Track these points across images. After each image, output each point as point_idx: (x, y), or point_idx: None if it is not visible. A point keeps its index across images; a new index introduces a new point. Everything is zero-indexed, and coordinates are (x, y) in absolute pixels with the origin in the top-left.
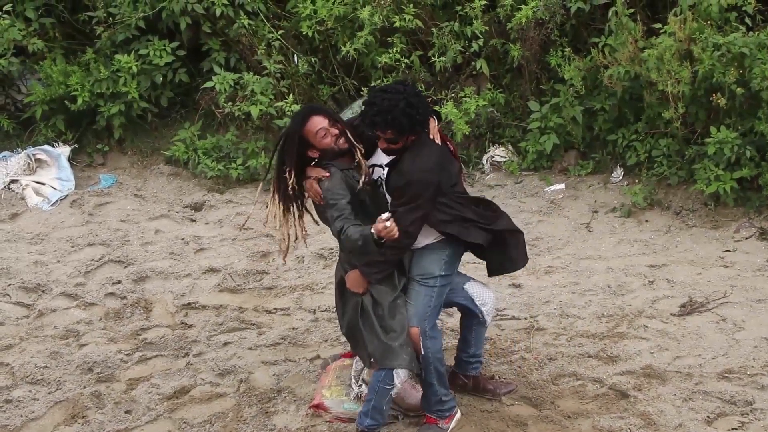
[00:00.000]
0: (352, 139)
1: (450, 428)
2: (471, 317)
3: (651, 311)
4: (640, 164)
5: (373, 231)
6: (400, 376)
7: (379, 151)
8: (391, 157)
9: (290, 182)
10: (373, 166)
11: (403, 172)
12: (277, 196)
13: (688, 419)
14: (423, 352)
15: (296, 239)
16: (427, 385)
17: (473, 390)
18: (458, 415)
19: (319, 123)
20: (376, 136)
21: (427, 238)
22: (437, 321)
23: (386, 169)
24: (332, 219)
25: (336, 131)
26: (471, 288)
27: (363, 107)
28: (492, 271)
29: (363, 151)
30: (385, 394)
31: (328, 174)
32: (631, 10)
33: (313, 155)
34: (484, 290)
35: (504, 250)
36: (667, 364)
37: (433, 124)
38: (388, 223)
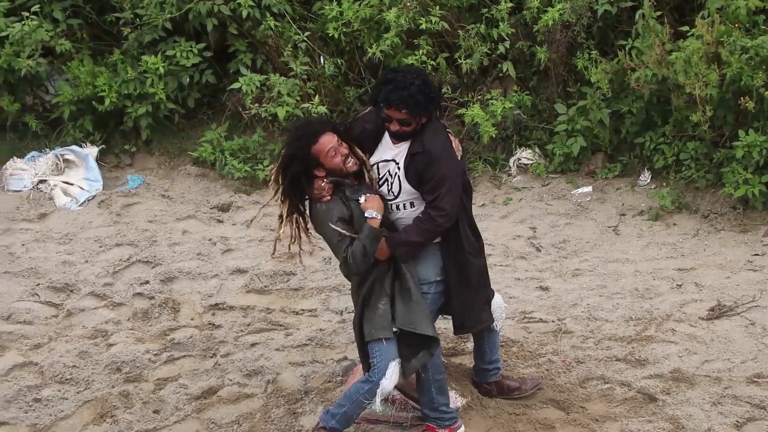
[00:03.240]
0: (360, 156)
1: None
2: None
3: (679, 315)
4: (667, 167)
5: (371, 210)
6: (382, 393)
7: (381, 147)
8: (397, 150)
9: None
10: (376, 164)
11: (427, 150)
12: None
13: (717, 423)
14: None
15: (293, 242)
16: (425, 392)
17: (499, 394)
18: (461, 429)
19: (329, 142)
20: (386, 119)
21: None
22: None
23: (397, 161)
24: (336, 243)
25: (345, 151)
26: None
27: (375, 87)
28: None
29: (369, 169)
30: (360, 406)
31: (328, 198)
32: (659, 13)
33: (319, 174)
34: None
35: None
36: (695, 368)
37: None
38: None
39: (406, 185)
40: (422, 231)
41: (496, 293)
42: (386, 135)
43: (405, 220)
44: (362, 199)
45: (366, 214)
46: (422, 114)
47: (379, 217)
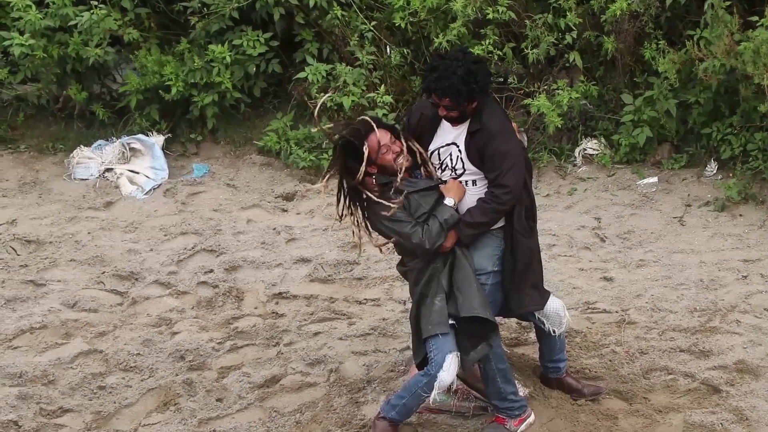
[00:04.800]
0: (414, 147)
1: (519, 431)
2: (539, 328)
3: (744, 306)
4: (734, 158)
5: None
6: (440, 386)
7: (441, 131)
8: (457, 132)
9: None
10: (437, 150)
11: (486, 127)
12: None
13: None
14: None
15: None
16: (491, 382)
17: (559, 389)
18: (531, 418)
19: (382, 138)
20: (435, 104)
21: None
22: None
23: (457, 143)
24: (405, 233)
25: (397, 149)
26: None
27: (423, 74)
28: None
29: (429, 161)
30: (419, 399)
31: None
32: (728, 3)
33: (371, 171)
34: (548, 301)
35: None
36: (760, 359)
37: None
38: None
39: (468, 164)
40: (486, 211)
41: (555, 298)
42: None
43: (465, 204)
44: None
45: (445, 201)
46: (465, 102)
47: (457, 204)
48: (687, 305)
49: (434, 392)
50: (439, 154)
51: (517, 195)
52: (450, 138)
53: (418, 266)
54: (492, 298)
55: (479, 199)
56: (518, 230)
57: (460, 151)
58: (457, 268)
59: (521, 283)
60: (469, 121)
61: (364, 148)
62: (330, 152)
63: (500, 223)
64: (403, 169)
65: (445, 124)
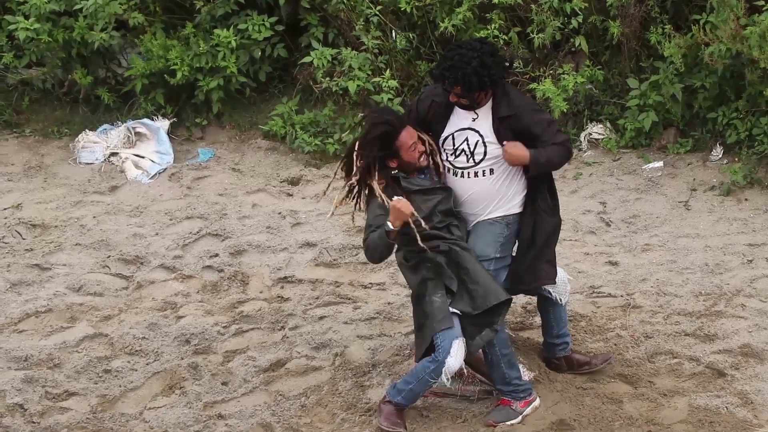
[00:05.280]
0: (424, 138)
1: (525, 413)
2: (544, 300)
3: (749, 290)
4: (740, 142)
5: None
6: (448, 372)
7: (456, 117)
8: (474, 119)
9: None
10: (451, 134)
11: (517, 111)
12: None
13: None
14: None
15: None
16: (496, 367)
17: (569, 369)
18: (536, 402)
19: (411, 137)
20: (446, 90)
21: (499, 209)
22: None
23: (478, 129)
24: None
25: (422, 149)
26: None
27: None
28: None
29: (438, 154)
30: (426, 384)
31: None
32: None
33: (392, 164)
34: None
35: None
36: (765, 343)
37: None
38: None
39: (492, 150)
40: (559, 155)
41: (560, 269)
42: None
43: (478, 194)
44: (394, 200)
45: (386, 225)
46: (475, 92)
47: (395, 227)
48: (692, 289)
49: (442, 378)
50: (453, 138)
51: (571, 148)
52: (466, 123)
53: (409, 265)
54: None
55: (550, 147)
56: (543, 208)
57: (481, 136)
58: (464, 263)
59: (538, 259)
60: (491, 108)
61: (398, 141)
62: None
63: (503, 211)
64: (422, 166)
65: (459, 110)
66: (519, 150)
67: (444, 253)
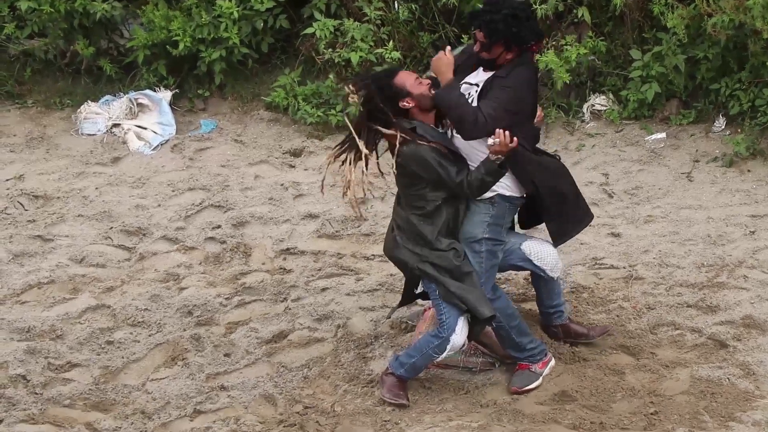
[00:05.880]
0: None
1: (544, 373)
2: (536, 276)
3: (752, 261)
4: (743, 114)
5: (490, 156)
6: (452, 349)
7: (473, 74)
8: (483, 77)
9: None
10: (465, 83)
11: (510, 76)
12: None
13: None
14: None
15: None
16: (508, 341)
17: (566, 337)
18: (553, 362)
19: (411, 74)
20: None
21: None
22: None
23: (477, 86)
24: (448, 176)
25: (427, 82)
26: (527, 247)
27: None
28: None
29: None
30: (430, 359)
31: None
32: None
33: (409, 104)
34: (542, 247)
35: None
36: (767, 314)
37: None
38: (495, 140)
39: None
40: (461, 110)
41: (549, 245)
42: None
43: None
44: (490, 141)
45: (491, 156)
46: (498, 42)
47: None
48: (694, 261)
49: (446, 354)
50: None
51: (486, 126)
52: (475, 80)
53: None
54: (490, 263)
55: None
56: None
57: (477, 92)
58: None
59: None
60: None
61: (397, 81)
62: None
63: (491, 192)
64: None
65: (480, 69)
66: (441, 62)
67: None
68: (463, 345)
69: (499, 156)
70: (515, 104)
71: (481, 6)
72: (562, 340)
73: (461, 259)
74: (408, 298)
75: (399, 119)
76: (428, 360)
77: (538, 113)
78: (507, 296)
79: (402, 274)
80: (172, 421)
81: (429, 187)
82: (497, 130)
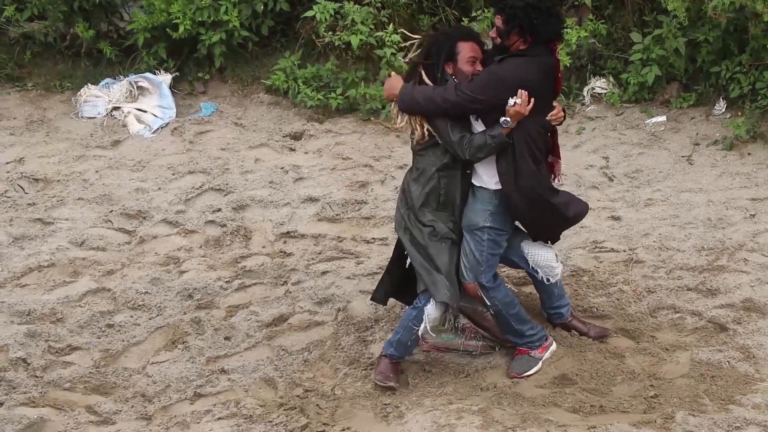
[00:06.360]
0: None
1: (544, 358)
2: (533, 277)
3: (752, 245)
4: (743, 96)
5: (502, 120)
6: (429, 318)
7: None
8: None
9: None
10: None
11: (504, 61)
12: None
13: None
14: (488, 303)
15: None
16: (508, 328)
17: (565, 330)
18: (553, 346)
19: (473, 49)
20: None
21: (477, 176)
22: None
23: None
24: (449, 131)
25: (480, 67)
26: (526, 247)
27: None
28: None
29: None
30: (410, 331)
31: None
32: None
33: (447, 69)
34: (540, 251)
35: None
36: (767, 297)
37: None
38: (516, 100)
39: None
40: (426, 95)
41: (548, 249)
42: None
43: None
44: (511, 102)
45: (501, 120)
46: (514, 29)
47: (513, 125)
48: (694, 244)
49: (425, 324)
50: None
51: (439, 110)
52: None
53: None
54: (492, 252)
55: (436, 88)
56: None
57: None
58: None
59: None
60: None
61: (458, 47)
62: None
63: (496, 185)
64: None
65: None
66: (391, 82)
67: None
68: (444, 317)
69: (508, 120)
70: (494, 90)
71: None
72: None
73: (437, 239)
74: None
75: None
76: (410, 333)
77: (556, 110)
78: (506, 286)
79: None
80: (173, 404)
81: (432, 149)
82: (519, 90)
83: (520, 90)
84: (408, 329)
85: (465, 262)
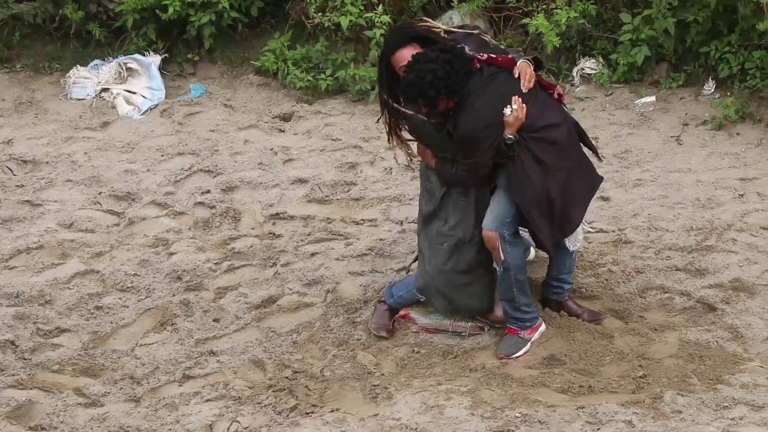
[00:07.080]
0: None
1: (533, 339)
2: None
3: (740, 224)
4: (732, 77)
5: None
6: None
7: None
8: None
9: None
10: None
11: (455, 126)
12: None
13: None
14: (502, 257)
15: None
16: (507, 293)
17: (558, 310)
18: (542, 327)
19: (407, 56)
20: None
21: None
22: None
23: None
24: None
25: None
26: None
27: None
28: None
29: None
30: (414, 297)
31: None
32: None
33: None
34: None
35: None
36: (755, 277)
37: (528, 70)
38: (512, 107)
39: None
40: (456, 177)
41: None
42: None
43: None
44: (507, 112)
45: (506, 138)
46: (441, 101)
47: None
48: (683, 224)
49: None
50: None
51: (471, 180)
52: None
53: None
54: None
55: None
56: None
57: None
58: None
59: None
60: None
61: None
62: None
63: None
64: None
65: None
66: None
67: None
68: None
69: (511, 137)
70: (479, 144)
71: (403, 80)
72: (555, 311)
73: (428, 206)
74: None
75: None
76: (413, 297)
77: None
78: (524, 248)
79: (390, 240)
80: (161, 386)
81: None
82: (513, 97)
83: (514, 97)
84: (412, 294)
85: (493, 209)
